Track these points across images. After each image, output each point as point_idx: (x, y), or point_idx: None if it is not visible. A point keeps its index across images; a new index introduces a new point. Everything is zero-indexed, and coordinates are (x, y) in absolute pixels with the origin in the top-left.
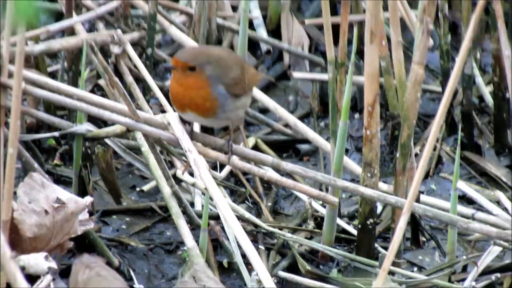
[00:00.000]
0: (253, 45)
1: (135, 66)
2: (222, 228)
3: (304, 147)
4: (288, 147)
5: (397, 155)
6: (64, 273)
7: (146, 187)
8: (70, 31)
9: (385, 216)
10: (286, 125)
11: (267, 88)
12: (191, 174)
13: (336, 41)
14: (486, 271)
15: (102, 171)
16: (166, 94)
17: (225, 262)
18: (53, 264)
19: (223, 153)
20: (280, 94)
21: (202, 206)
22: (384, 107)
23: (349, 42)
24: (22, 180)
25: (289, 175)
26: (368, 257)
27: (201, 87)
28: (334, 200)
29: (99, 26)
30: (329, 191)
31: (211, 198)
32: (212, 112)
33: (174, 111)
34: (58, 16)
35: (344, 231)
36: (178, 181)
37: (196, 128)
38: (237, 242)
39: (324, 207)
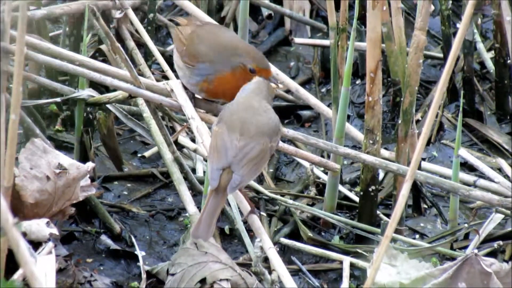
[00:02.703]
0: (254, 10)
1: (136, 31)
2: None
3: (305, 113)
4: (289, 113)
5: (399, 121)
6: (65, 239)
7: (147, 153)
8: None
9: (387, 183)
10: (288, 91)
11: (268, 54)
12: (193, 140)
13: (337, 7)
14: (488, 239)
15: (104, 137)
16: (167, 59)
17: (226, 228)
18: (55, 230)
19: None
20: (282, 60)
21: (204, 172)
22: (385, 73)
23: (350, 7)
24: (24, 146)
25: (290, 141)
26: (370, 224)
27: None
28: (336, 167)
29: None
30: (330, 158)
31: None
32: None
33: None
34: None
35: (346, 198)
36: (180, 147)
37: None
38: (239, 208)
39: (326, 173)
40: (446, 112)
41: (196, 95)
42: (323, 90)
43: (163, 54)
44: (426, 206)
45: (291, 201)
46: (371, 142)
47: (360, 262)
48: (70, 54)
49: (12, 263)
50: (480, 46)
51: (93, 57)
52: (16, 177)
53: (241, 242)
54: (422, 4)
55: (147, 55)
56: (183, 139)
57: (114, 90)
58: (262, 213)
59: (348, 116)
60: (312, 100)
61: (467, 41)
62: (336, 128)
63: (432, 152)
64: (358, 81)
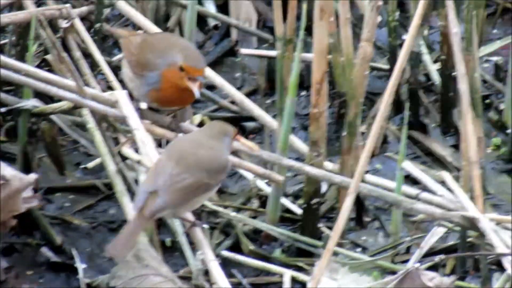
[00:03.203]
0: (201, 20)
1: (83, 41)
2: None
3: (250, 124)
4: (234, 124)
5: (344, 133)
6: (6, 251)
7: (90, 164)
8: (18, 5)
9: (330, 195)
10: (233, 102)
11: (214, 65)
12: (137, 151)
13: (284, 17)
14: (430, 252)
15: (47, 145)
16: (113, 70)
17: (168, 241)
18: None
19: (170, 130)
20: (227, 70)
21: None
22: (331, 85)
23: (297, 18)
24: None
25: (234, 153)
26: (312, 237)
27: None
28: (280, 179)
29: (47, 0)
30: (274, 170)
31: None
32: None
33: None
34: None
35: (288, 210)
36: (124, 158)
37: (143, 105)
38: (181, 220)
39: (269, 185)
40: (390, 124)
41: (143, 106)
42: (268, 101)
43: (109, 64)
44: (368, 219)
45: (233, 214)
46: (315, 154)
47: (301, 276)
48: (16, 63)
49: None
50: (426, 57)
51: (39, 66)
52: None
53: (182, 255)
54: (369, 15)
55: (93, 65)
56: (127, 150)
57: (59, 100)
58: (204, 225)
59: (293, 128)
60: (257, 111)
61: (413, 52)
62: (280, 140)
63: (376, 165)
64: (303, 93)
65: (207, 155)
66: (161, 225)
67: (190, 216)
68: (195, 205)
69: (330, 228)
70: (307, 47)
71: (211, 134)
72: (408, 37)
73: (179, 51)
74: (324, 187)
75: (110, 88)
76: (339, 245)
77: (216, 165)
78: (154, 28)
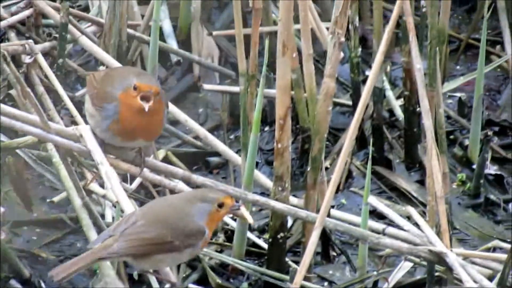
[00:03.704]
0: (163, 56)
1: (46, 76)
2: None
3: (214, 159)
4: (198, 159)
5: (308, 169)
6: None
7: (56, 198)
8: None
9: (296, 230)
10: (196, 137)
11: (177, 100)
12: (102, 186)
13: (246, 53)
14: (397, 287)
15: (13, 179)
16: (76, 105)
17: (135, 274)
18: None
19: (134, 165)
20: (190, 106)
21: (113, 218)
22: (294, 120)
23: (260, 54)
24: None
25: (199, 187)
26: (278, 271)
27: (161, 113)
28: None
29: (10, 35)
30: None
31: (122, 210)
32: (157, 136)
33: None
34: None
35: (254, 244)
36: (89, 192)
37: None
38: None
39: (235, 220)
40: (355, 160)
41: (109, 142)
42: (232, 136)
43: (72, 99)
44: (335, 254)
45: None
46: (280, 189)
47: None
48: None
49: None
50: (389, 93)
51: (3, 101)
52: None
53: None
54: (332, 52)
55: (56, 100)
56: (92, 185)
57: (24, 135)
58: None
59: (257, 163)
60: (221, 146)
61: (376, 88)
62: (245, 175)
63: (341, 200)
64: (267, 128)
65: (176, 215)
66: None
67: (171, 276)
68: (161, 264)
69: (297, 262)
70: (270, 83)
71: (188, 198)
72: (371, 73)
73: (134, 75)
74: (289, 222)
75: (73, 123)
76: (306, 279)
77: (183, 227)
78: (116, 64)
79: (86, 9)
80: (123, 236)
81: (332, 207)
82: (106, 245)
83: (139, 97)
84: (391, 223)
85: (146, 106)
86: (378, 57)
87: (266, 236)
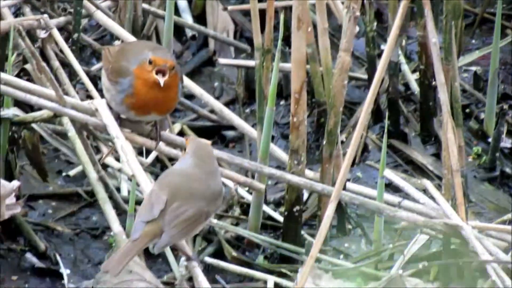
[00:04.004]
0: (178, 30)
1: (61, 51)
2: None
3: (229, 133)
4: (213, 133)
5: (324, 142)
6: None
7: (72, 172)
8: None
9: (311, 203)
10: (212, 111)
11: (192, 74)
12: (118, 160)
13: (262, 28)
14: (413, 260)
15: (29, 152)
16: (91, 79)
17: (151, 247)
18: None
19: (149, 139)
20: (206, 80)
21: (129, 191)
22: (310, 94)
23: (275, 28)
24: None
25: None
26: (294, 244)
27: (176, 87)
28: (261, 187)
29: (25, 10)
30: (255, 178)
31: (137, 184)
32: (171, 110)
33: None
34: None
35: (270, 218)
36: (105, 166)
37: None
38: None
39: (250, 193)
40: (370, 133)
41: (124, 116)
42: (247, 110)
43: (87, 73)
44: (350, 227)
45: (215, 221)
46: (295, 162)
47: (284, 282)
48: None
49: None
50: (405, 67)
51: (18, 76)
52: None
53: (165, 261)
54: (347, 25)
55: (72, 74)
56: (108, 159)
57: (40, 109)
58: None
59: (273, 137)
60: (236, 120)
61: (392, 62)
62: (260, 149)
63: (357, 173)
64: (282, 102)
65: (201, 186)
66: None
67: (187, 249)
68: (195, 233)
69: (312, 235)
70: (285, 57)
71: (198, 160)
72: (386, 47)
73: (149, 49)
74: (305, 195)
75: (89, 97)
76: (322, 252)
77: (210, 194)
78: (131, 38)
79: None
80: (167, 225)
81: (348, 180)
82: (150, 234)
83: (154, 71)
84: (406, 196)
85: (162, 81)
86: (393, 31)
87: (282, 209)
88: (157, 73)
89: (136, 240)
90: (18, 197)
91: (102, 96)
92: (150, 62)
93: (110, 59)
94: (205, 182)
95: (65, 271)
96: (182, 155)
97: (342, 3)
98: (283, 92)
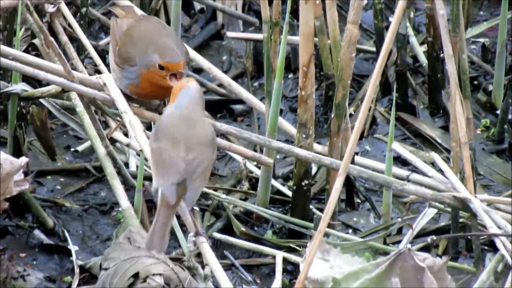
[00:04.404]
0: (186, 4)
1: (69, 25)
2: None
3: (238, 107)
4: (222, 107)
5: (332, 115)
6: None
7: (80, 148)
8: None
9: (320, 177)
10: (220, 85)
11: (200, 48)
12: (126, 135)
13: (270, 1)
14: (422, 233)
15: (37, 129)
16: (100, 54)
17: None
18: None
19: (158, 114)
20: (214, 54)
21: (137, 166)
22: (318, 67)
23: (283, 1)
24: None
25: (223, 135)
26: (303, 219)
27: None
28: (269, 161)
29: None
30: (263, 152)
31: (146, 159)
32: None
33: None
34: None
35: (279, 192)
36: (113, 141)
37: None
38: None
39: (259, 168)
40: (379, 106)
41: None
42: (256, 84)
43: (96, 48)
44: (359, 201)
45: (224, 196)
46: (304, 136)
47: (293, 257)
48: (3, 48)
49: None
50: (413, 40)
51: (26, 51)
52: None
53: (174, 237)
54: None
55: (80, 49)
56: (116, 133)
57: (47, 84)
58: (195, 207)
59: (281, 110)
60: (245, 94)
61: (400, 34)
62: (269, 122)
63: (365, 147)
64: (290, 75)
65: (204, 132)
66: (152, 207)
67: (196, 225)
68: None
69: (321, 209)
70: (293, 30)
71: (196, 104)
72: (394, 20)
73: (155, 50)
74: (314, 169)
75: (97, 72)
76: (330, 226)
77: (212, 139)
78: (140, 13)
79: None
80: (188, 179)
81: (357, 154)
82: (182, 194)
83: (168, 76)
84: (415, 170)
85: (175, 83)
86: (400, 3)
87: (290, 183)
88: (170, 76)
89: (173, 204)
90: (26, 174)
91: (110, 70)
92: (161, 68)
93: (117, 39)
94: (204, 128)
95: (73, 248)
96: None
97: None
98: (291, 65)
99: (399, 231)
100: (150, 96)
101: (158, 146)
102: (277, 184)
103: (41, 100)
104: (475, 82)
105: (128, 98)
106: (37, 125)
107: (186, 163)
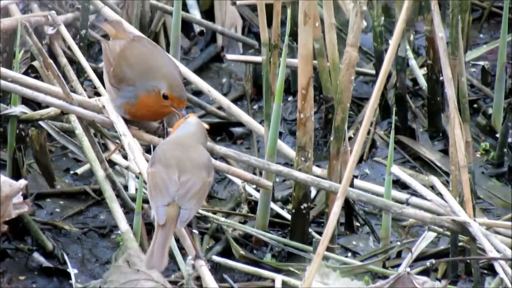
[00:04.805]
0: (186, 26)
1: (69, 48)
2: None
3: (237, 130)
4: (221, 130)
5: (331, 138)
6: None
7: (80, 170)
8: (4, 12)
9: (319, 200)
10: (220, 108)
11: (200, 70)
12: (125, 157)
13: (269, 23)
14: (421, 257)
15: (36, 154)
16: (99, 76)
17: None
18: None
19: (157, 136)
20: (214, 76)
21: (136, 189)
22: (317, 89)
23: (283, 24)
24: None
25: (222, 158)
26: (302, 242)
27: None
28: (268, 184)
29: (33, 7)
30: (263, 175)
31: (145, 182)
32: None
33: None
34: None
35: (278, 215)
36: (112, 164)
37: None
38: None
39: (258, 191)
40: (378, 129)
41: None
42: (255, 107)
43: (95, 70)
44: (358, 224)
45: (223, 219)
46: (303, 159)
47: (292, 280)
48: (3, 70)
49: None
50: (413, 62)
51: (26, 73)
52: None
53: (173, 260)
54: (354, 20)
55: (79, 71)
56: (115, 156)
57: (47, 106)
58: (194, 230)
59: (280, 133)
60: (244, 117)
61: (399, 57)
62: (268, 145)
63: (365, 170)
64: (290, 98)
65: (198, 156)
66: (151, 230)
67: (195, 248)
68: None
69: (320, 233)
70: (292, 53)
71: (192, 136)
72: (392, 42)
73: (163, 78)
74: (313, 192)
75: (96, 94)
76: (330, 249)
77: (207, 161)
78: (129, 30)
79: None
80: (181, 199)
81: (356, 177)
82: (174, 215)
83: (170, 105)
84: (414, 193)
85: (182, 112)
86: (399, 25)
87: (290, 207)
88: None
89: (164, 225)
90: (25, 196)
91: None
92: (165, 97)
93: (111, 60)
94: (198, 152)
95: (72, 271)
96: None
97: None
98: (290, 88)
99: (399, 254)
100: (144, 117)
101: (152, 170)
102: (276, 207)
103: (40, 122)
104: (475, 105)
105: (127, 120)
106: (36, 149)
107: (178, 185)
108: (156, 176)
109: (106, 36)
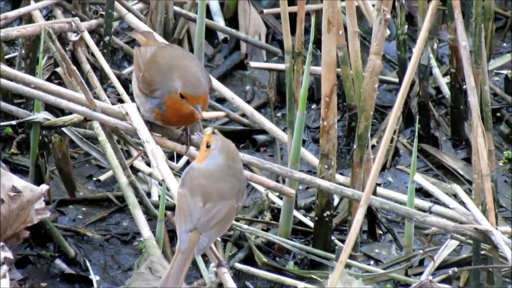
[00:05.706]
0: (210, 33)
1: (92, 54)
2: None
3: (261, 137)
4: (245, 137)
5: (354, 146)
6: (20, 263)
7: (102, 177)
8: (28, 18)
9: (342, 208)
10: (243, 115)
11: (224, 78)
12: (148, 164)
13: (293, 31)
14: (443, 265)
15: (58, 162)
16: (123, 83)
17: None
18: (9, 254)
19: (180, 144)
20: (237, 83)
21: (159, 196)
22: (341, 97)
23: (306, 31)
24: None
25: (246, 166)
26: (324, 250)
27: (206, 103)
28: (291, 192)
29: (56, 13)
30: (286, 183)
31: (168, 189)
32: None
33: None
34: (16, 3)
35: (300, 223)
36: (135, 171)
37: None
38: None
39: (281, 198)
40: (401, 137)
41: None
42: (279, 114)
43: (118, 77)
44: (381, 232)
45: (246, 226)
46: (326, 167)
47: None
48: (26, 76)
49: None
50: (436, 71)
51: (49, 80)
52: None
53: (195, 267)
54: (378, 29)
55: (103, 78)
56: (138, 163)
57: (70, 113)
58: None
59: (304, 141)
60: (268, 124)
61: (422, 65)
62: (291, 153)
63: (388, 178)
64: (313, 106)
65: (227, 187)
66: (174, 237)
67: (218, 256)
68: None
69: (343, 240)
70: (316, 61)
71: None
72: (415, 50)
73: (179, 77)
74: (336, 200)
75: (120, 101)
76: (352, 257)
77: (237, 192)
78: (161, 40)
79: None
80: (203, 227)
81: (379, 185)
82: (195, 241)
83: (188, 104)
84: (437, 201)
85: (202, 114)
86: (422, 34)
87: (312, 214)
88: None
89: (185, 251)
90: (47, 202)
91: (133, 99)
92: (182, 96)
93: (141, 66)
94: (233, 181)
95: (94, 278)
96: (204, 150)
97: (373, 5)
98: (314, 95)
99: (421, 262)
100: (174, 122)
101: (180, 191)
102: (299, 215)
103: (63, 129)
104: (498, 114)
105: (151, 127)
106: (59, 157)
107: (202, 212)
108: (182, 199)
109: (129, 43)
